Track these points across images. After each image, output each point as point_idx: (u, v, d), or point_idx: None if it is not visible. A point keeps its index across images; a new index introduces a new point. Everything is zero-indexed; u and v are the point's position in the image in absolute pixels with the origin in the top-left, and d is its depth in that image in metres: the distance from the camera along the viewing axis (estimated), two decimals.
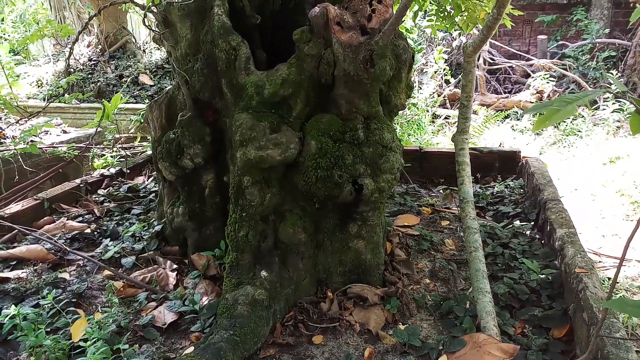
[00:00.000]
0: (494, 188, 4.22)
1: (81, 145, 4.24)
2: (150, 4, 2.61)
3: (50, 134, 4.81)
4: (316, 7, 2.62)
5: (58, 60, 8.32)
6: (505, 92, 10.89)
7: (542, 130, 8.20)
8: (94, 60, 6.51)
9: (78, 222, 3.56)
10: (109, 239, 3.35)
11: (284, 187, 2.67)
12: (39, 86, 7.17)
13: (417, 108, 6.75)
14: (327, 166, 2.54)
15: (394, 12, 2.64)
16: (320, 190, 2.57)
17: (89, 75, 6.83)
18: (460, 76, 11.16)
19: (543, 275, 2.71)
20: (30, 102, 6.55)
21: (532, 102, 8.85)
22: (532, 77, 9.26)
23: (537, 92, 8.99)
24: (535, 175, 3.80)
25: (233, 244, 2.62)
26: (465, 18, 4.56)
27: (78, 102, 6.33)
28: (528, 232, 3.30)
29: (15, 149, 3.08)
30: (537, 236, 3.22)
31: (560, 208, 3.16)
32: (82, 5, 8.27)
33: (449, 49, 9.34)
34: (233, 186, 2.67)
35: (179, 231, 3.14)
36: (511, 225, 3.43)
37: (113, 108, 3.90)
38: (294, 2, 3.19)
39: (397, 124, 6.62)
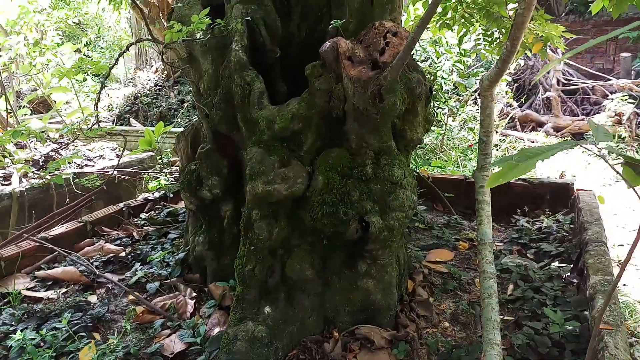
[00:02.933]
0: (542, 223, 3.93)
1: (127, 170, 4.48)
2: (170, 40, 2.70)
3: (104, 157, 5.13)
4: (327, 42, 2.60)
5: (132, 84, 8.94)
6: (583, 114, 10.22)
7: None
8: (159, 86, 6.92)
9: (115, 245, 3.73)
10: (140, 263, 3.48)
11: (293, 222, 2.64)
12: (109, 110, 7.72)
13: (475, 133, 6.47)
14: (332, 202, 2.49)
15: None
16: (326, 226, 2.52)
17: (154, 100, 7.26)
18: (533, 97, 10.65)
19: (570, 327, 2.47)
20: (102, 126, 7.02)
21: (610, 125, 8.22)
22: (610, 99, 8.61)
23: (616, 115, 8.35)
24: (582, 211, 3.50)
25: (240, 277, 2.62)
26: None
27: (141, 126, 6.76)
28: (566, 275, 3.03)
29: (43, 179, 3.30)
30: (575, 281, 2.95)
31: (601, 251, 2.88)
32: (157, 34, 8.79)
33: (515, 71, 8.94)
34: (243, 219, 2.68)
35: (200, 259, 3.20)
36: (549, 267, 3.17)
37: (157, 135, 4.08)
38: (317, 34, 3.19)
39: (453, 149, 6.39)
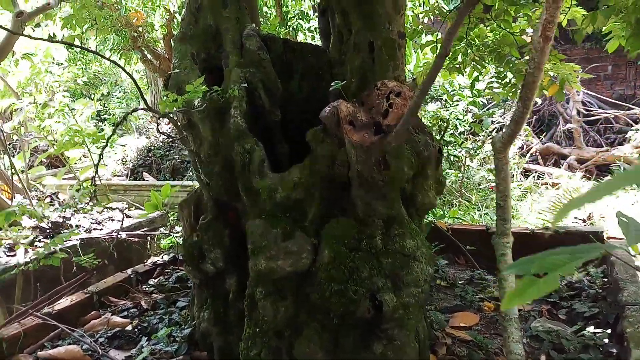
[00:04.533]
0: (572, 277, 3.66)
1: (136, 232, 4.38)
2: (167, 110, 2.60)
3: (113, 219, 5.06)
4: (327, 107, 2.47)
5: (146, 135, 8.99)
6: (607, 143, 9.88)
7: None
8: (172, 138, 6.93)
9: (122, 316, 3.58)
10: (146, 337, 3.31)
11: (299, 299, 2.46)
12: (123, 163, 7.73)
13: (494, 174, 6.22)
14: (341, 279, 2.30)
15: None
16: (335, 305, 2.33)
17: (167, 153, 7.24)
18: (554, 128, 10.37)
19: None
20: (113, 180, 7.04)
21: (636, 156, 7.90)
22: (634, 129, 8.31)
23: None
24: (616, 265, 3.24)
25: None
26: None
27: (154, 179, 6.72)
28: (604, 344, 2.76)
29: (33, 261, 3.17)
30: (614, 351, 2.67)
31: None
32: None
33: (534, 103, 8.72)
34: (247, 298, 2.51)
35: (206, 336, 3.02)
36: (583, 332, 2.91)
37: (164, 197, 3.98)
38: (319, 92, 3.06)
39: (473, 192, 6.15)
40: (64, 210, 4.17)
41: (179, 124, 2.89)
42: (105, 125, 11.61)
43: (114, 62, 2.59)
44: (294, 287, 2.45)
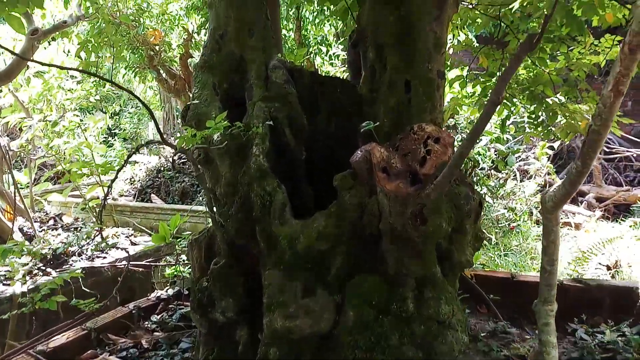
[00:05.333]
0: (603, 335, 3.39)
1: (141, 263, 4.16)
2: (183, 145, 2.40)
3: (118, 248, 4.85)
4: (358, 151, 2.26)
5: (157, 154, 8.83)
6: (626, 182, 9.61)
7: None
8: (183, 159, 6.74)
9: (121, 357, 3.33)
10: None
11: None
12: (131, 183, 7.55)
13: (516, 214, 6.00)
14: (366, 347, 2.07)
15: (453, 153, 2.20)
16: None
17: (177, 174, 7.05)
18: (572, 164, 10.13)
19: None
20: (120, 201, 6.85)
21: None
22: None
23: None
24: None
25: None
26: (563, 126, 3.97)
27: (163, 202, 6.54)
28: None
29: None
30: None
31: None
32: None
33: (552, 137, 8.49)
34: (259, 357, 2.27)
35: None
36: None
37: (173, 228, 3.78)
38: (348, 130, 2.86)
39: (493, 232, 5.89)
40: (67, 247, 3.96)
41: (195, 158, 2.68)
42: (115, 140, 11.49)
43: (130, 92, 2.41)
44: (313, 350, 2.21)
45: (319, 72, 7.55)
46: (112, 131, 11.36)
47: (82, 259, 4.17)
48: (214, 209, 2.68)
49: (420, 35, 2.36)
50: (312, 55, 6.80)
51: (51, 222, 5.92)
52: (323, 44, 6.46)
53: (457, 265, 2.32)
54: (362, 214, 2.25)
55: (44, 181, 6.68)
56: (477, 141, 5.63)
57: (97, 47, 2.82)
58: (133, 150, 2.53)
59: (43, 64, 2.10)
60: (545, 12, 3.33)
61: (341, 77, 3.30)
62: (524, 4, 3.15)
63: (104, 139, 10.69)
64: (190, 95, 7.50)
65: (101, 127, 6.48)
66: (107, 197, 2.90)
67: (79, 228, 5.28)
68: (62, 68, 2.63)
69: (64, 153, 5.18)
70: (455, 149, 2.23)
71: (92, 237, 2.96)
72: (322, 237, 2.23)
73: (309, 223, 2.29)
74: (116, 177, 2.78)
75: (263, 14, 2.88)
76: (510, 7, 3.29)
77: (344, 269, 2.27)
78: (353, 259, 2.28)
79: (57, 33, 4.61)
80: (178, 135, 10.15)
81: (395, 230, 2.14)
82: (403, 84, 2.48)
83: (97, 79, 3.65)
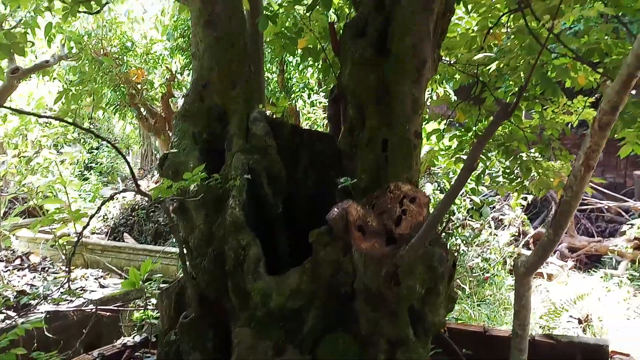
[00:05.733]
0: None
1: (109, 307, 4.03)
2: (158, 198, 2.37)
3: (86, 290, 4.70)
4: (335, 208, 2.26)
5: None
6: (598, 232, 9.80)
7: None
8: (159, 198, 6.61)
9: None
10: None
11: None
12: (104, 220, 7.39)
13: (489, 264, 6.04)
14: None
15: (429, 214, 2.22)
16: None
17: (151, 213, 6.93)
18: (545, 212, 10.30)
19: None
20: (92, 239, 6.69)
21: (629, 251, 7.80)
22: (628, 224, 8.24)
23: (635, 239, 7.93)
24: None
25: None
26: (536, 182, 4.05)
27: (135, 242, 6.40)
28: None
29: None
30: None
31: None
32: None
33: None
34: None
35: None
36: None
37: (143, 274, 3.70)
38: (326, 183, 2.86)
39: (464, 281, 5.90)
40: (31, 298, 3.82)
41: (170, 208, 2.65)
42: (91, 173, 11.32)
43: (112, 145, 2.39)
44: None
45: (301, 115, 7.64)
46: (89, 165, 11.21)
47: (47, 301, 4.02)
48: (186, 260, 2.63)
49: (398, 96, 2.41)
50: (294, 100, 6.88)
51: (17, 261, 5.73)
52: (305, 90, 6.56)
53: (429, 326, 2.30)
54: (336, 272, 2.24)
55: (15, 216, 6.51)
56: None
57: (77, 95, 2.81)
58: (107, 198, 2.49)
59: (18, 112, 2.07)
60: (522, 75, 3.46)
61: (321, 130, 3.34)
62: (501, 66, 3.26)
63: (80, 173, 10.53)
64: (170, 134, 7.47)
65: (77, 162, 6.40)
66: (78, 240, 2.83)
67: (46, 268, 5.12)
68: (40, 117, 2.59)
69: (37, 190, 5.08)
70: (431, 209, 2.26)
71: (60, 285, 2.86)
72: (296, 295, 2.20)
73: (283, 279, 2.26)
74: (88, 224, 2.73)
75: (246, 66, 2.92)
76: (487, 67, 3.40)
77: (316, 328, 2.23)
78: (326, 318, 2.26)
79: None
80: (156, 173, 10.08)
81: (369, 290, 2.13)
82: (381, 142, 2.51)
83: (73, 123, 3.58)
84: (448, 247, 2.39)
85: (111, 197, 2.55)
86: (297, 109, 7.53)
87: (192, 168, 2.62)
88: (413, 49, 2.33)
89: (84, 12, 2.70)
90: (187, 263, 2.61)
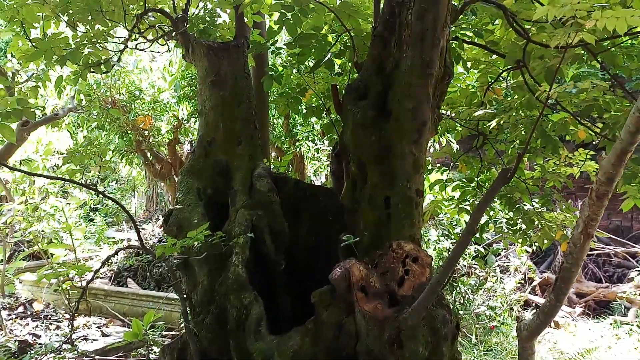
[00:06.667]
0: None
1: (110, 358, 3.99)
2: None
3: (88, 338, 4.67)
4: (338, 268, 2.27)
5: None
6: (606, 277, 9.67)
7: None
8: (163, 242, 6.61)
9: None
10: None
11: None
12: (108, 264, 7.36)
13: (496, 313, 5.96)
14: None
15: (432, 274, 2.23)
16: None
17: (155, 249, 6.83)
18: (552, 256, 10.21)
19: None
20: (96, 283, 6.66)
21: (638, 298, 7.67)
22: (636, 270, 8.15)
23: None
24: None
25: None
26: (539, 233, 4.05)
27: (139, 287, 6.37)
28: None
29: None
30: None
31: None
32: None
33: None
34: None
35: None
36: None
37: (146, 325, 3.68)
38: (329, 240, 2.88)
39: (470, 329, 5.82)
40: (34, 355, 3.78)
41: (173, 265, 2.67)
42: (97, 215, 11.37)
43: (117, 202, 2.44)
44: None
45: (305, 159, 7.71)
46: (95, 206, 11.27)
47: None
48: (189, 317, 2.63)
49: (399, 156, 2.45)
50: (299, 146, 6.98)
51: (20, 308, 5.70)
52: (309, 139, 6.66)
53: None
54: (339, 334, 2.23)
55: (20, 260, 6.52)
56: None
57: (84, 157, 2.90)
58: (113, 252, 2.52)
59: (22, 172, 2.13)
60: (522, 129, 3.52)
61: (324, 186, 3.38)
62: (500, 122, 3.32)
63: (85, 215, 10.58)
64: (176, 179, 7.52)
65: (84, 204, 6.44)
66: (83, 295, 2.84)
67: (49, 316, 5.09)
68: (45, 177, 2.66)
69: (42, 237, 5.12)
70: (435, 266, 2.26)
71: (61, 345, 2.85)
72: (297, 357, 2.19)
73: (285, 340, 2.25)
74: (93, 278, 2.75)
75: (251, 124, 2.99)
76: (488, 124, 3.47)
77: None
78: None
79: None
80: (161, 217, 10.11)
81: (371, 353, 2.12)
82: (383, 200, 2.53)
83: (79, 183, 3.64)
84: (451, 306, 2.38)
85: (116, 253, 2.59)
86: (302, 153, 7.61)
87: (196, 224, 2.66)
88: (413, 111, 2.38)
89: (94, 72, 2.79)
90: (190, 319, 2.61)
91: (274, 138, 7.14)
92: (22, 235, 5.60)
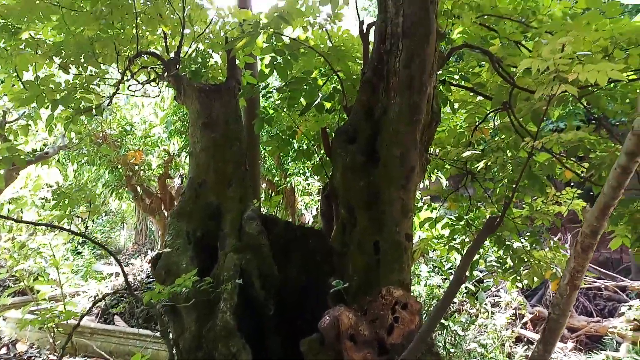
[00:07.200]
0: None
1: None
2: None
3: None
4: (327, 316, 2.25)
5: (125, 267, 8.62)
6: (597, 311, 9.65)
7: None
8: (151, 279, 6.53)
9: None
10: None
11: None
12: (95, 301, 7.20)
13: (487, 350, 5.91)
14: None
15: (421, 322, 2.22)
16: None
17: (143, 294, 6.72)
18: (542, 290, 10.18)
19: None
20: (83, 322, 6.52)
21: (630, 333, 7.65)
22: (627, 305, 8.15)
23: (635, 320, 7.81)
24: None
25: None
26: (529, 272, 4.06)
27: (126, 325, 6.25)
28: None
29: None
30: None
31: None
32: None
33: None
34: None
35: None
36: None
37: None
38: (319, 281, 2.87)
39: None
40: None
41: (161, 311, 2.64)
42: (85, 248, 11.24)
43: (108, 250, 2.42)
44: None
45: (296, 192, 7.72)
46: (83, 240, 11.17)
47: None
48: None
49: (388, 201, 2.47)
50: (289, 181, 7.00)
51: (4, 350, 5.56)
52: (301, 172, 6.68)
53: None
54: None
55: (6, 296, 6.40)
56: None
57: (73, 202, 2.90)
58: (100, 297, 2.48)
59: (17, 221, 2.11)
60: (510, 169, 3.56)
61: (313, 228, 3.38)
62: (488, 163, 3.36)
63: (73, 249, 10.46)
64: (166, 214, 7.47)
65: (72, 239, 6.37)
66: (68, 341, 2.79)
67: (33, 357, 4.97)
68: (33, 224, 2.64)
69: (28, 274, 5.05)
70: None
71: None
72: None
73: None
74: (79, 324, 2.71)
75: (242, 165, 3.01)
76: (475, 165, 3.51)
77: None
78: None
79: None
80: (149, 253, 10.03)
81: None
82: (372, 244, 2.54)
83: (68, 230, 3.60)
84: (442, 344, 2.36)
85: (103, 298, 2.55)
86: (294, 186, 7.62)
87: (184, 268, 2.65)
88: (401, 158, 2.41)
89: (85, 115, 2.81)
90: None
91: (265, 171, 7.16)
92: (7, 272, 5.52)
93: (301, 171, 6.36)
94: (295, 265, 2.96)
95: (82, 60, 3.02)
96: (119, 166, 6.61)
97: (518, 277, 4.12)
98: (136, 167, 6.81)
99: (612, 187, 1.47)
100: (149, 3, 3.20)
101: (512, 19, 3.14)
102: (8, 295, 6.68)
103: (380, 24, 2.60)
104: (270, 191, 7.71)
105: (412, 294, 3.34)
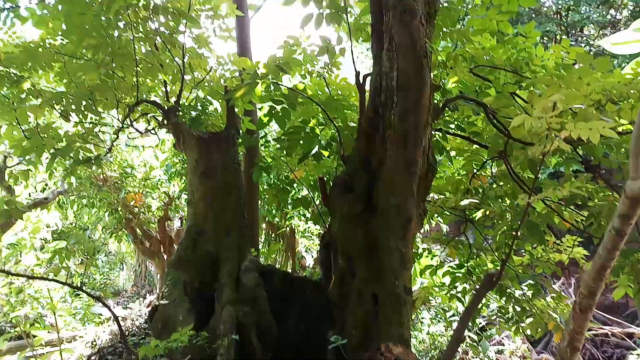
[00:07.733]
0: None
1: None
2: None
3: None
4: None
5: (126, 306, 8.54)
6: (605, 358, 9.42)
7: None
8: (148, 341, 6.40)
9: None
10: None
11: None
12: (92, 346, 7.10)
13: None
14: None
15: None
16: None
17: (141, 341, 6.65)
18: (548, 336, 9.99)
19: None
20: None
21: None
22: (634, 354, 7.97)
23: None
24: None
25: None
26: (532, 322, 3.99)
27: None
28: None
29: None
30: None
31: None
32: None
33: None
34: None
35: None
36: None
37: None
38: (317, 336, 2.81)
39: None
40: None
41: None
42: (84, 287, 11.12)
43: (99, 299, 2.39)
44: None
45: (297, 233, 7.65)
46: (81, 282, 11.06)
47: None
48: None
49: (386, 251, 2.45)
50: (290, 222, 6.96)
51: None
52: (300, 215, 6.67)
53: None
54: None
55: (2, 341, 6.27)
56: None
57: (70, 254, 2.90)
58: (95, 351, 2.43)
59: (13, 274, 2.10)
60: (508, 218, 3.54)
61: (311, 278, 3.36)
62: (486, 212, 3.35)
63: (72, 291, 10.32)
64: (165, 257, 7.40)
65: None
66: None
67: None
68: (28, 277, 2.63)
69: (24, 319, 4.96)
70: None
71: None
72: None
73: None
74: None
75: (241, 214, 3.01)
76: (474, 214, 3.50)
77: None
78: None
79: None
80: (149, 295, 9.90)
81: None
82: (371, 296, 2.51)
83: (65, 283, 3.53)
84: None
85: (98, 352, 2.49)
86: (294, 227, 7.57)
87: (181, 321, 2.61)
88: (398, 207, 2.41)
89: (84, 166, 2.83)
90: None
91: (265, 212, 7.14)
92: (4, 316, 5.43)
93: (302, 212, 6.35)
94: (292, 317, 2.93)
95: (83, 109, 3.06)
96: (119, 209, 6.62)
97: (521, 327, 4.05)
98: (136, 210, 6.81)
99: (608, 249, 1.46)
100: (150, 51, 3.25)
101: (506, 69, 3.19)
102: (4, 340, 6.57)
103: (376, 77, 2.64)
104: (270, 232, 7.67)
105: (414, 338, 3.26)
